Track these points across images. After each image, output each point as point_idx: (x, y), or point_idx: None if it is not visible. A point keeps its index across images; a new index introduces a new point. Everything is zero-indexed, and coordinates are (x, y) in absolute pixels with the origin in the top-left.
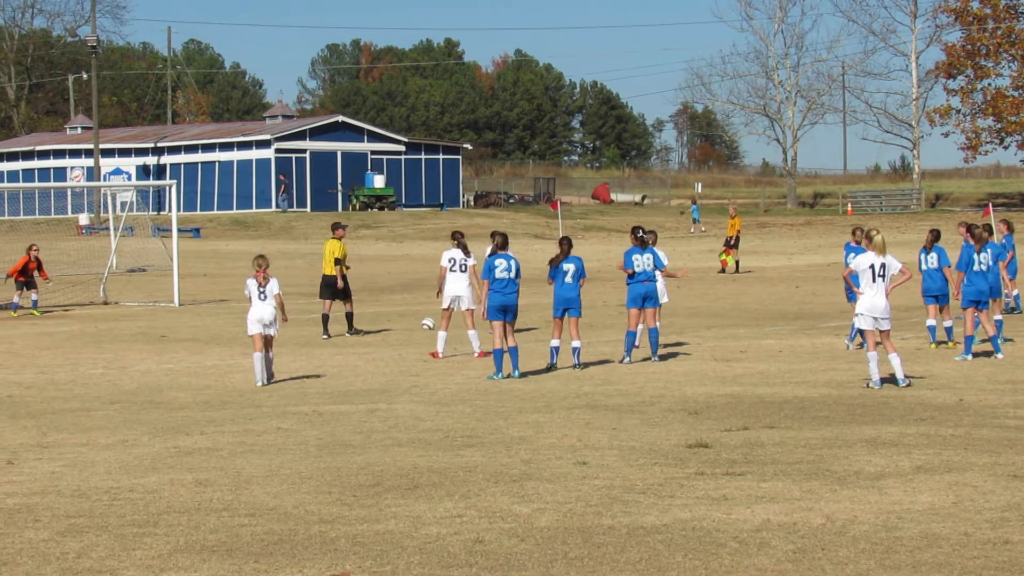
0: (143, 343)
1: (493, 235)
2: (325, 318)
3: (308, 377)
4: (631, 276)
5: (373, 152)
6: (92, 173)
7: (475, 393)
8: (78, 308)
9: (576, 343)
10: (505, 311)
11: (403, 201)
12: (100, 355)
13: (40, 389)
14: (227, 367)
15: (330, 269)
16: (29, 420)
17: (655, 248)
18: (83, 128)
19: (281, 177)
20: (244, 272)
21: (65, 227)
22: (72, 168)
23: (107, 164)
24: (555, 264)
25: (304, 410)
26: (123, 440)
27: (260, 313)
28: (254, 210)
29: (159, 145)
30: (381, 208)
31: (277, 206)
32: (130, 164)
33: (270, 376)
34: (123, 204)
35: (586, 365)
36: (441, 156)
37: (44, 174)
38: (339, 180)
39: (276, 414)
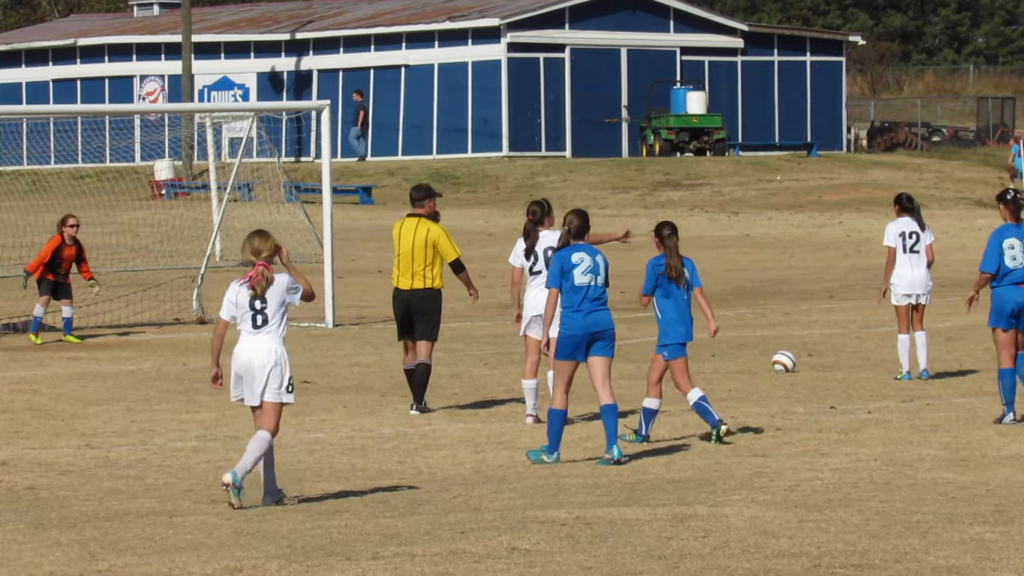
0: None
1: (567, 216)
2: (409, 376)
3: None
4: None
5: (686, 49)
6: (179, 87)
7: (868, 487)
8: (152, 329)
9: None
10: (592, 339)
11: (739, 139)
12: (192, 415)
13: (84, 476)
14: (422, 436)
15: (406, 279)
16: (65, 530)
17: None
18: (162, 6)
19: (356, 97)
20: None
21: (130, 184)
22: (144, 78)
23: (206, 70)
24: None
25: (559, 516)
26: (233, 570)
27: (246, 356)
28: (470, 154)
29: (298, 37)
30: (700, 151)
31: (355, 152)
32: (247, 70)
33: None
34: (234, 143)
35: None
36: (808, 57)
37: (92, 89)
38: (623, 101)
39: (506, 523)
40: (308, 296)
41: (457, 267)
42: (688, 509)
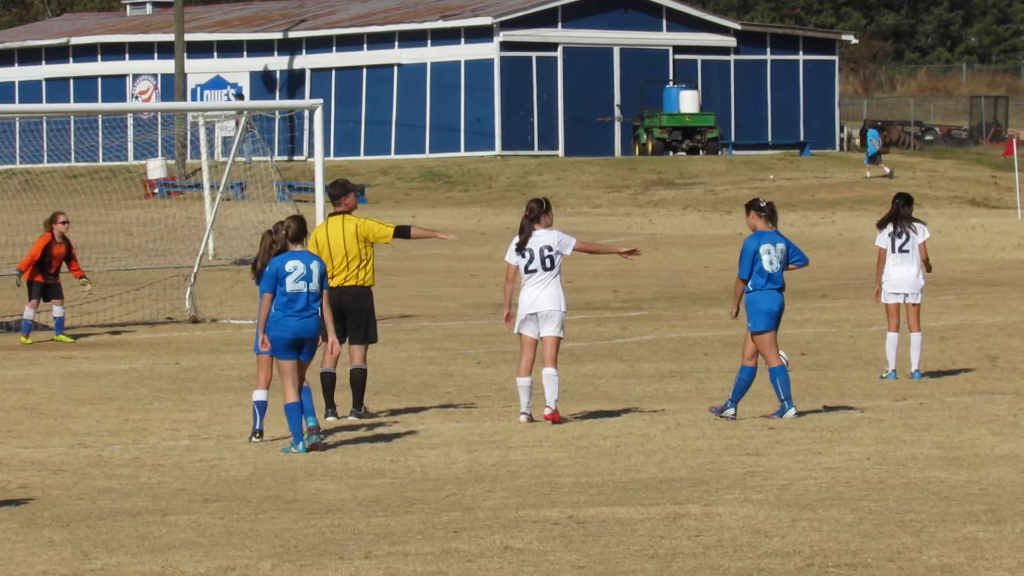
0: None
1: (285, 222)
2: (326, 380)
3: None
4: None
5: (679, 48)
6: (172, 86)
7: (861, 486)
8: (145, 328)
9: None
10: (300, 345)
11: (731, 138)
12: (185, 414)
13: (78, 475)
14: (414, 435)
15: (338, 277)
16: (58, 530)
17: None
18: (155, 5)
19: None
20: (447, 259)
21: (123, 183)
22: (137, 77)
23: (198, 69)
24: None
25: (551, 515)
26: (226, 568)
27: None
28: (463, 153)
29: (291, 36)
30: (693, 150)
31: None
32: (240, 69)
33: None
34: (227, 142)
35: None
36: (801, 56)
37: (84, 88)
38: (616, 100)
39: (499, 522)
40: None
41: (403, 232)
42: (681, 508)
